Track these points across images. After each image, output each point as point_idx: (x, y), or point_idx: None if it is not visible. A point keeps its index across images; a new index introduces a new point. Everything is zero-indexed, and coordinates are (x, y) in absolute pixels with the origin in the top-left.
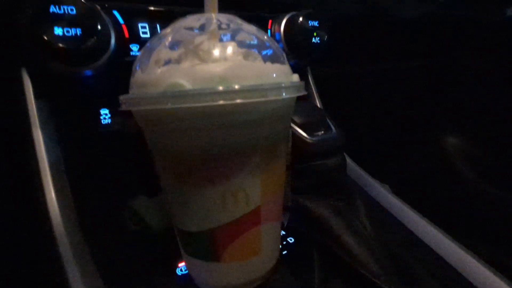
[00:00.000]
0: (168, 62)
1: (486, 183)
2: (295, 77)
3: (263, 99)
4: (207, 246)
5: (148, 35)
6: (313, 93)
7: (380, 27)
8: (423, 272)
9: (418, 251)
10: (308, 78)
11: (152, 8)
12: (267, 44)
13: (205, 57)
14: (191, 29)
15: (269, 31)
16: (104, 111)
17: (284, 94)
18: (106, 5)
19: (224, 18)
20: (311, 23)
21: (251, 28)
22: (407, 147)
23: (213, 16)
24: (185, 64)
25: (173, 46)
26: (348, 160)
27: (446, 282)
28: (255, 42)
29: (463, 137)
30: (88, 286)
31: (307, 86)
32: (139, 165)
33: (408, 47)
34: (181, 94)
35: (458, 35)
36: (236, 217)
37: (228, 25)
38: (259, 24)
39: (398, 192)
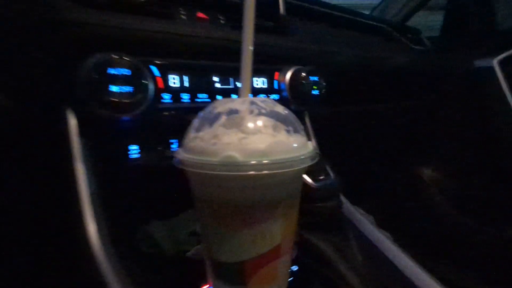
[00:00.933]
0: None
1: (459, 213)
2: (310, 145)
3: (290, 169)
4: (237, 274)
5: (178, 85)
6: (310, 134)
7: (366, 76)
8: None
9: (395, 277)
10: (305, 121)
11: (182, 61)
12: (290, 120)
13: (246, 131)
14: (236, 111)
15: (275, 81)
16: (133, 147)
17: (303, 164)
18: (148, 61)
19: (259, 101)
20: (312, 78)
21: (279, 108)
22: (388, 180)
23: (250, 100)
24: (234, 138)
25: (224, 124)
26: (343, 198)
27: None
28: (281, 117)
29: (437, 171)
30: None
31: (304, 129)
32: (158, 193)
33: (389, 92)
34: (236, 164)
35: (433, 82)
36: (263, 252)
37: (262, 105)
38: (267, 75)
39: (381, 221)
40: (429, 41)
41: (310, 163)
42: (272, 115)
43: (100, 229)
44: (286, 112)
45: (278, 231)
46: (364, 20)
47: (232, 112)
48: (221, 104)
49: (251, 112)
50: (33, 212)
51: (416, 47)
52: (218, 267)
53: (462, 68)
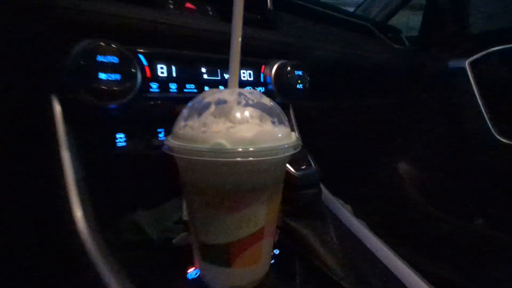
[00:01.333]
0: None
1: (429, 204)
2: (293, 135)
3: (274, 157)
4: (223, 255)
5: (166, 75)
6: (293, 126)
7: (347, 72)
8: (370, 272)
9: (368, 259)
10: (289, 112)
11: (170, 51)
12: (275, 111)
13: (234, 120)
14: (225, 101)
15: (261, 74)
16: (120, 135)
17: (286, 152)
18: (136, 49)
19: (247, 92)
20: (296, 72)
21: (266, 100)
22: (366, 172)
23: (237, 91)
24: (221, 126)
25: (213, 114)
26: (321, 186)
27: (384, 280)
28: (267, 109)
29: (412, 165)
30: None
31: (288, 120)
32: (144, 181)
33: (369, 88)
34: (224, 152)
35: (410, 80)
36: (247, 234)
37: (249, 96)
38: (254, 68)
39: (358, 211)
40: (408, 40)
41: (293, 152)
42: (259, 106)
43: (86, 215)
44: (272, 103)
45: (262, 215)
46: (348, 18)
47: (221, 102)
48: (210, 94)
49: (239, 102)
50: (20, 198)
51: (396, 46)
52: (205, 249)
53: (437, 67)
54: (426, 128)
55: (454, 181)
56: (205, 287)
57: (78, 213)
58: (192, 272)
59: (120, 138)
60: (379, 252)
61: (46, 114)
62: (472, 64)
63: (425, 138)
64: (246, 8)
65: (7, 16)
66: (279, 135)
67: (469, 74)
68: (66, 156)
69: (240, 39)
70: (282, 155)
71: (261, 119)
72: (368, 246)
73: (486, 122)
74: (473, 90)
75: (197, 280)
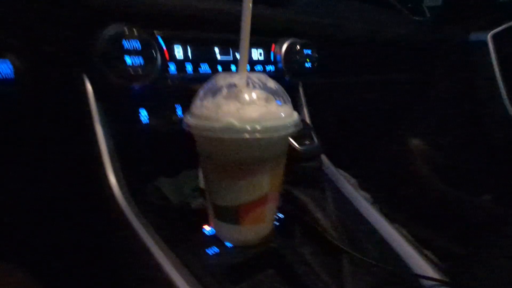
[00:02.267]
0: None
1: (439, 180)
2: (295, 115)
3: (276, 134)
4: (233, 215)
5: (182, 57)
6: (302, 104)
7: (362, 48)
8: (364, 239)
9: (362, 225)
10: (299, 91)
11: (186, 33)
12: (279, 92)
13: (242, 102)
14: (235, 85)
15: (272, 53)
16: (143, 112)
17: (288, 130)
18: (155, 33)
19: (254, 76)
20: (306, 51)
21: (271, 83)
22: (377, 147)
23: (246, 75)
24: (232, 107)
25: (225, 96)
26: (327, 161)
27: (377, 246)
28: (273, 90)
29: (425, 141)
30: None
31: (297, 99)
32: (166, 152)
33: (384, 64)
34: (234, 129)
35: (428, 54)
36: (253, 199)
37: (256, 80)
38: (264, 47)
39: (366, 184)
40: (430, 10)
41: (293, 130)
42: (265, 88)
43: (119, 181)
44: (277, 86)
45: (266, 183)
46: None
47: (231, 86)
48: (222, 78)
49: (247, 86)
50: (61, 168)
51: (416, 18)
52: (218, 210)
53: (457, 41)
54: (442, 105)
55: (466, 157)
56: (218, 241)
57: (112, 179)
58: (207, 229)
59: (143, 115)
60: (375, 222)
61: (80, 92)
62: (494, 37)
63: (439, 114)
64: None
65: (44, 4)
66: (282, 115)
67: (490, 48)
68: (99, 129)
69: (249, 31)
70: (284, 132)
71: (266, 100)
72: (365, 215)
73: (503, 99)
74: (493, 66)
75: (212, 235)
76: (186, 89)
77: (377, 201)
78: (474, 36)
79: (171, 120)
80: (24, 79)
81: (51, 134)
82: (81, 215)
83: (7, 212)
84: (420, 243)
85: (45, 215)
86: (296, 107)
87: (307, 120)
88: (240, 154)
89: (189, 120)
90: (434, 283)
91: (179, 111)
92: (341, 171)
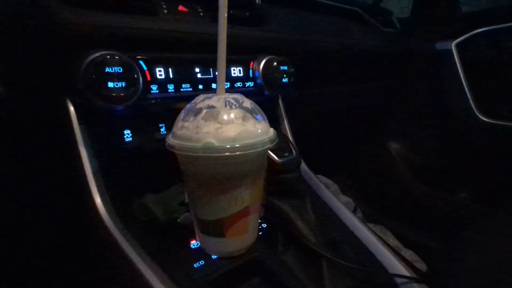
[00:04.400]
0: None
1: (418, 180)
2: (271, 131)
3: (253, 150)
4: (217, 228)
5: (164, 77)
6: (282, 115)
7: (337, 60)
8: (342, 243)
9: (340, 230)
10: (279, 103)
11: (166, 55)
12: (255, 110)
13: (221, 122)
14: (213, 106)
15: (250, 70)
16: (127, 132)
17: (264, 146)
18: (136, 56)
19: (231, 97)
20: (282, 67)
21: (247, 102)
22: (358, 152)
23: (224, 98)
24: (211, 128)
25: (204, 118)
26: (307, 169)
27: (355, 249)
28: (249, 109)
29: (402, 144)
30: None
31: (278, 111)
32: (150, 170)
33: (358, 74)
34: (213, 148)
35: (398, 63)
36: (236, 211)
37: (233, 101)
38: (243, 64)
39: (349, 188)
40: (400, 22)
41: (270, 145)
42: (241, 108)
43: (104, 201)
44: (253, 105)
45: (247, 196)
46: (337, 4)
47: (210, 107)
48: (202, 100)
49: (225, 107)
50: (47, 190)
51: (386, 30)
52: (202, 224)
53: (425, 50)
54: (415, 109)
55: (441, 158)
56: (205, 254)
57: (97, 199)
58: (194, 243)
59: (127, 134)
60: (352, 226)
61: (63, 115)
62: (458, 45)
63: (413, 119)
64: (235, 5)
65: (27, 32)
66: (259, 131)
67: (455, 55)
68: (83, 151)
69: (225, 57)
70: (261, 149)
71: (243, 118)
72: (343, 221)
73: (470, 102)
74: (458, 72)
75: (198, 249)
76: (168, 108)
77: (359, 205)
78: (439, 45)
79: (154, 137)
80: (5, 104)
81: (36, 157)
82: (68, 235)
83: None
84: (404, 242)
85: (31, 237)
86: (277, 118)
87: (288, 131)
88: (221, 171)
89: (172, 140)
90: (407, 281)
91: (162, 130)
92: (323, 178)
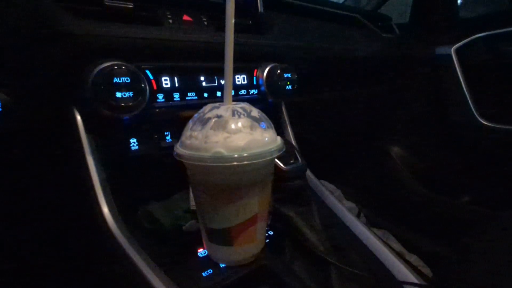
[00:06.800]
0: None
1: (420, 184)
2: (279, 139)
3: (262, 159)
4: (226, 237)
5: (169, 86)
6: (286, 122)
7: (338, 66)
8: (349, 250)
9: (347, 237)
10: (282, 110)
11: (172, 64)
12: (263, 119)
13: (229, 131)
14: (221, 116)
15: (254, 78)
16: (133, 140)
17: (272, 155)
18: (143, 66)
19: (239, 106)
20: (285, 75)
21: (255, 112)
22: (360, 157)
23: (232, 107)
24: (220, 137)
25: (213, 127)
26: (311, 175)
27: (362, 256)
28: (256, 118)
29: (404, 148)
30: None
31: (281, 117)
32: (156, 178)
33: (360, 79)
34: (222, 158)
35: (399, 68)
36: (244, 220)
37: (241, 110)
38: (247, 72)
39: (352, 193)
40: (399, 27)
41: (277, 154)
42: (250, 117)
43: (111, 210)
44: (260, 114)
45: (255, 204)
46: (337, 11)
47: (218, 117)
48: (210, 110)
49: (233, 116)
50: (54, 199)
51: (385, 35)
52: (211, 233)
53: (424, 55)
54: (416, 114)
55: (443, 162)
56: (213, 263)
57: (105, 209)
58: (201, 251)
59: (134, 142)
60: (359, 233)
61: (70, 124)
62: (457, 50)
63: (415, 123)
64: (238, 14)
65: (36, 44)
66: (266, 140)
67: (455, 60)
68: (90, 160)
69: (231, 67)
70: (269, 157)
71: (251, 127)
72: (349, 227)
73: (470, 106)
74: (458, 76)
75: (206, 257)
76: (174, 116)
77: (363, 210)
78: (439, 50)
79: (160, 146)
80: (13, 113)
81: (43, 166)
82: (76, 245)
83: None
84: (407, 246)
85: (39, 247)
86: (281, 125)
87: (291, 137)
88: (230, 179)
89: (180, 150)
90: None
91: (168, 138)
92: (326, 183)
